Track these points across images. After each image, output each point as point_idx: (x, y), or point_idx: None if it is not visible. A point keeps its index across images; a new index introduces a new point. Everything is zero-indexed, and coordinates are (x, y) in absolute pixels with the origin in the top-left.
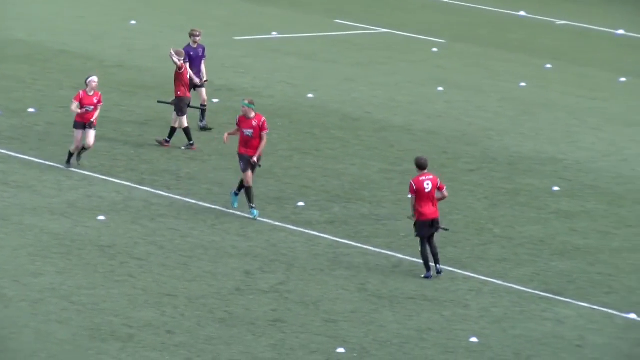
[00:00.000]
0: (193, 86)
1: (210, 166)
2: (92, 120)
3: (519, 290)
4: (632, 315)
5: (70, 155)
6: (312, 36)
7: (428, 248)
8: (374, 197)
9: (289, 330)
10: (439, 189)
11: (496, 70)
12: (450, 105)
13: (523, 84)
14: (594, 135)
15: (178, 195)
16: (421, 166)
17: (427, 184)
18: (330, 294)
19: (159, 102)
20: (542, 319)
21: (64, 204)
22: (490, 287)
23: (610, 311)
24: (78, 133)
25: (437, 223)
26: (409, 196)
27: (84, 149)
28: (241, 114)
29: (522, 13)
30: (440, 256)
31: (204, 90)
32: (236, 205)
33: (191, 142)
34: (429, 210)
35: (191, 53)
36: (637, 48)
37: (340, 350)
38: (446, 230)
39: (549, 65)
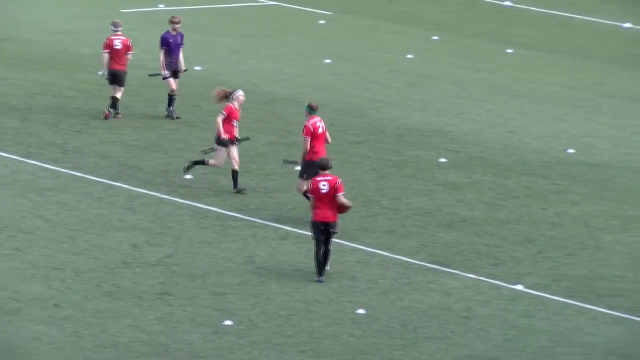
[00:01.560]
0: (174, 72)
1: (97, 139)
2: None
3: (406, 261)
4: (519, 287)
5: None
6: (199, 8)
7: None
8: (262, 169)
9: (176, 303)
10: (337, 190)
11: (383, 42)
12: (338, 77)
13: (410, 56)
14: (480, 107)
15: (65, 168)
16: (322, 167)
17: (324, 185)
18: (217, 266)
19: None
20: (429, 291)
21: None
22: (378, 258)
23: (497, 282)
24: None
25: (332, 227)
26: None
27: None
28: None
29: None
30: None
31: (176, 80)
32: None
33: (117, 112)
34: (323, 212)
35: (170, 40)
36: (524, 19)
37: (228, 322)
38: (335, 233)
39: (436, 37)
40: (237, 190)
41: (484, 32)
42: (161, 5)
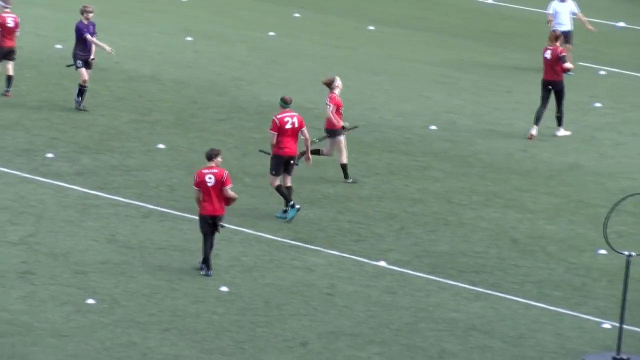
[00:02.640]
0: (86, 62)
1: None
2: None
3: (269, 239)
4: (382, 263)
5: None
6: None
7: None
8: (124, 147)
9: (38, 282)
10: (225, 184)
11: (245, 19)
12: (199, 55)
13: (272, 33)
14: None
15: None
16: (208, 157)
17: (210, 178)
18: (80, 245)
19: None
20: (292, 267)
21: None
22: (241, 236)
23: (359, 259)
24: None
25: (219, 220)
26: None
27: None
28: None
29: None
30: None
31: (89, 70)
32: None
33: (7, 90)
34: (211, 206)
35: (84, 30)
36: None
37: (91, 301)
38: (223, 226)
39: (297, 15)
40: (353, 180)
41: (344, 9)
42: None
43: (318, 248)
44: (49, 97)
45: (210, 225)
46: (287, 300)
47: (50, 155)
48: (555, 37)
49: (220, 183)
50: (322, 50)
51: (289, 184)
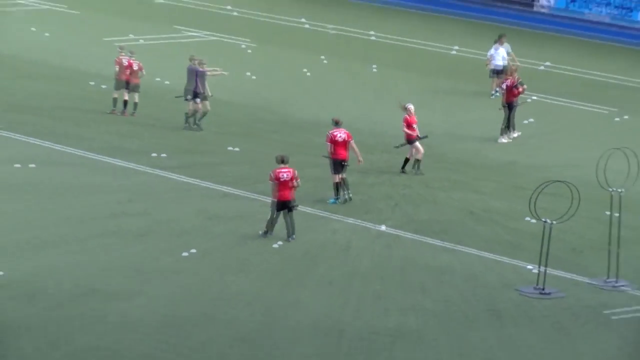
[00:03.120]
0: (193, 94)
1: None
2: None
3: (308, 212)
4: (382, 227)
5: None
6: None
7: (279, 218)
8: (209, 150)
9: (150, 240)
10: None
11: (282, 62)
12: (258, 85)
13: (306, 71)
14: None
15: None
16: (282, 161)
17: (285, 174)
18: (179, 215)
19: None
20: (323, 231)
21: None
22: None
23: (367, 225)
24: None
25: (291, 203)
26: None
27: None
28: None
29: None
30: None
31: (196, 103)
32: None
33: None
34: (284, 193)
35: (193, 70)
36: None
37: (185, 254)
38: (297, 207)
39: (324, 60)
40: (417, 171)
41: (355, 55)
42: None
43: (339, 217)
44: (159, 116)
45: (283, 207)
46: (319, 252)
47: (154, 154)
48: (511, 71)
49: (291, 178)
50: (341, 82)
51: (344, 176)
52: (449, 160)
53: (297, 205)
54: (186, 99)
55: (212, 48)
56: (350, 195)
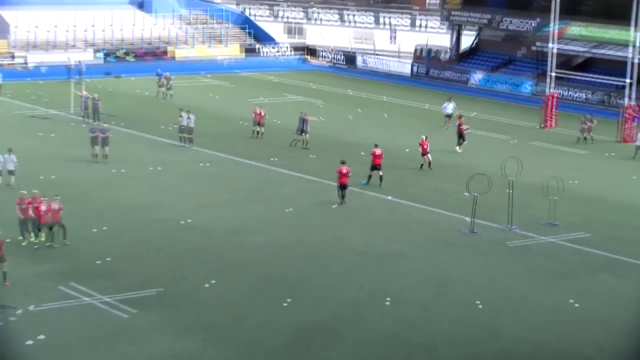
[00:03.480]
0: (300, 130)
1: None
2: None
3: (350, 190)
4: (389, 197)
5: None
6: None
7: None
8: (295, 157)
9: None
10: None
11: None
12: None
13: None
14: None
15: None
16: (344, 162)
17: (344, 170)
18: (280, 194)
19: None
20: (357, 200)
21: None
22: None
23: (380, 196)
24: None
25: (346, 187)
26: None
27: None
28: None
29: None
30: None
31: (304, 136)
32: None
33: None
34: (343, 179)
35: (302, 119)
36: None
37: (288, 209)
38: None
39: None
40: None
41: (352, 104)
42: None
43: (364, 192)
44: (275, 140)
45: (341, 188)
46: (357, 210)
47: (273, 159)
48: (459, 116)
49: (347, 172)
50: (368, 122)
51: (381, 173)
52: (411, 164)
53: (347, 187)
54: (297, 133)
55: (302, 104)
56: (381, 184)
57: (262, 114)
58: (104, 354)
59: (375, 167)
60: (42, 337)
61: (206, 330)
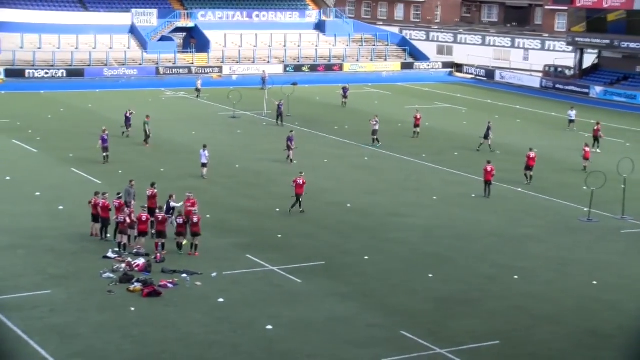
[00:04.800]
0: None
1: None
2: None
3: None
4: None
5: None
6: None
7: None
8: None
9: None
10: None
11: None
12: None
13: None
14: None
15: None
16: None
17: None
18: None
19: None
20: None
21: None
22: None
23: None
24: None
25: None
26: None
27: None
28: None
29: None
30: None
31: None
32: None
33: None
34: None
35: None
36: None
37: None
38: None
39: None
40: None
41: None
42: None
43: (499, 184)
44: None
45: (487, 184)
46: (491, 202)
47: (424, 155)
48: (596, 122)
49: (492, 170)
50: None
51: (531, 174)
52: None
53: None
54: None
55: (448, 111)
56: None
57: (419, 117)
58: (279, 311)
59: (529, 167)
60: (223, 299)
61: (364, 296)
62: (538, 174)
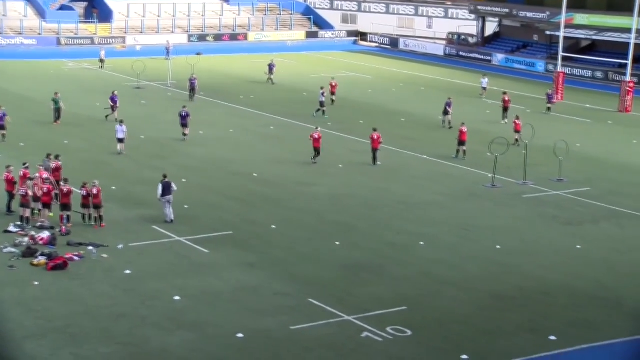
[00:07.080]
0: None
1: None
2: None
3: None
4: None
5: None
6: None
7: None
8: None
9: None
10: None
11: None
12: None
13: None
14: None
15: None
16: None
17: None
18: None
19: None
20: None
21: None
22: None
23: None
24: None
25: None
26: None
27: None
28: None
29: None
30: None
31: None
32: None
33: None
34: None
35: None
36: None
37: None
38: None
39: None
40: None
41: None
42: None
43: (404, 151)
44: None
45: (373, 152)
46: (395, 170)
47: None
48: (504, 92)
49: (378, 138)
50: (407, 94)
51: (464, 149)
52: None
53: (378, 150)
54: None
55: (354, 79)
56: (463, 156)
57: (334, 84)
58: (187, 282)
59: (461, 142)
60: (130, 270)
61: (271, 265)
62: (444, 141)
